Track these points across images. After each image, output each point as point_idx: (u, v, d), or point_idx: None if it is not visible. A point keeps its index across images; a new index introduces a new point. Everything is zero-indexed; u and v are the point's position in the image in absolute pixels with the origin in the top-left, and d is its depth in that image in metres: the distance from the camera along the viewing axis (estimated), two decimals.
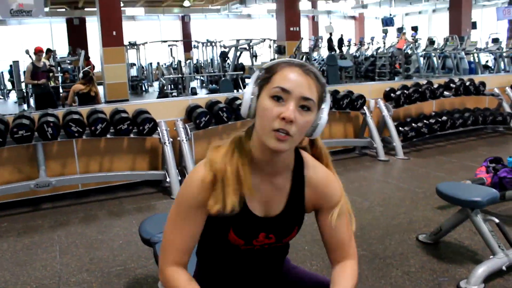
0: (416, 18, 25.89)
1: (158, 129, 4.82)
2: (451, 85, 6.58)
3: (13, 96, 14.64)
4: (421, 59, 15.21)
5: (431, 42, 15.03)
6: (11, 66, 13.94)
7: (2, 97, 15.63)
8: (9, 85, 15.53)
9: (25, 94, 10.53)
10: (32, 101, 11.63)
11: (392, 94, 6.14)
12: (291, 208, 1.38)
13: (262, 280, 1.51)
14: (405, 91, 6.15)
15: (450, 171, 5.09)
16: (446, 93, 6.51)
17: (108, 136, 4.59)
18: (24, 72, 10.26)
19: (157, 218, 2.55)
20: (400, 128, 6.12)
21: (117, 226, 3.91)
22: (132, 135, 4.69)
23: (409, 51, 15.00)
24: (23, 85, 12.14)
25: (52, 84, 10.90)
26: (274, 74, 1.23)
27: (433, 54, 14.70)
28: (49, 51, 12.03)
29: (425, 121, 6.31)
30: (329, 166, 1.47)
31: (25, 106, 11.60)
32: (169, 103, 5.47)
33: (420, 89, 6.22)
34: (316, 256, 3.13)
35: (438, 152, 6.02)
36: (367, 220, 3.75)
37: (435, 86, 6.43)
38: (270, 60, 7.94)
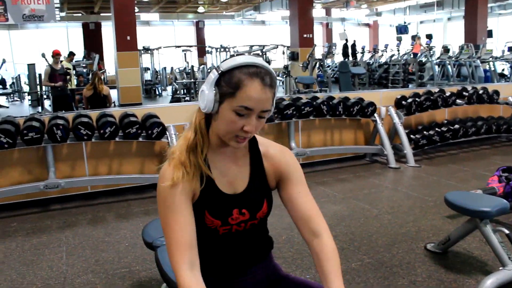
0: (431, 26, 25.73)
1: (167, 133, 4.83)
2: (464, 93, 6.50)
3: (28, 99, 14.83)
4: (436, 67, 15.08)
5: (445, 50, 14.90)
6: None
7: (18, 99, 15.85)
8: (26, 88, 15.75)
9: (39, 96, 10.63)
10: (46, 103, 11.78)
11: (403, 102, 6.09)
12: (255, 182, 1.49)
13: (249, 268, 1.54)
14: (417, 98, 6.09)
15: (461, 180, 5.02)
16: (458, 101, 6.44)
17: (117, 139, 4.61)
18: (40, 75, 10.43)
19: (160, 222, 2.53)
20: (412, 136, 6.07)
21: (124, 229, 3.92)
22: (140, 139, 4.71)
23: (424, 59, 14.88)
24: (38, 87, 12.29)
25: (73, 86, 11.04)
26: (237, 91, 1.31)
27: (448, 62, 14.56)
28: (71, 54, 12.20)
29: (437, 129, 6.24)
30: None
31: (39, 109, 11.73)
32: (179, 107, 5.50)
33: (432, 97, 6.16)
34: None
35: (450, 161, 5.95)
36: (374, 228, 3.71)
37: (448, 94, 6.36)
38: (283, 67, 7.98)
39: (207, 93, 1.34)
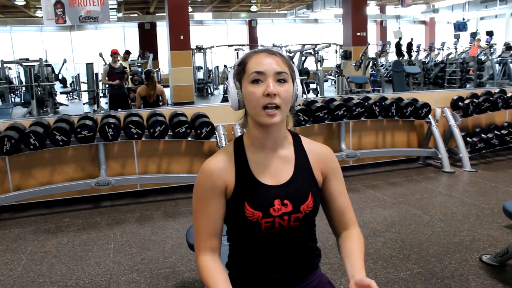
0: (492, 23, 24.56)
1: (216, 133, 4.85)
2: None
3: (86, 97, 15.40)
4: (496, 65, 14.36)
5: (507, 47, 14.17)
6: None
7: (77, 98, 16.50)
8: (84, 87, 16.38)
9: (95, 95, 11.02)
10: (102, 102, 12.19)
11: (460, 103, 5.82)
12: (300, 173, 1.49)
13: (291, 269, 1.50)
14: (475, 99, 5.80)
15: None
16: None
17: (167, 138, 4.66)
18: (97, 74, 10.79)
19: None
20: (468, 139, 5.79)
21: (171, 228, 3.96)
22: (189, 138, 4.75)
23: (483, 57, 14.21)
24: (95, 86, 12.72)
25: (131, 84, 11.34)
26: (246, 65, 1.41)
27: (510, 60, 13.84)
28: (127, 53, 12.53)
29: (496, 132, 5.92)
30: None
31: (95, 107, 12.14)
32: (228, 107, 5.45)
33: (491, 98, 5.85)
34: (369, 270, 2.99)
35: (510, 166, 5.63)
36: (426, 236, 3.55)
37: (509, 94, 6.02)
38: (336, 66, 7.99)
39: (231, 89, 1.44)
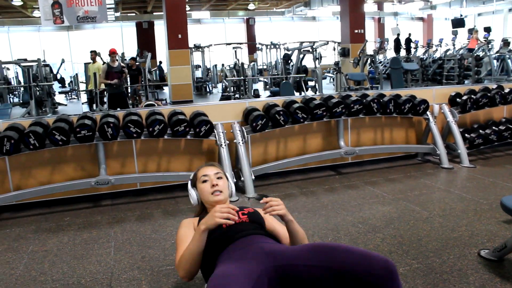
0: (489, 19, 24.59)
1: (215, 131, 4.86)
2: None
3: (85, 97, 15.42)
4: (494, 61, 14.39)
5: (505, 43, 14.20)
6: None
7: (76, 97, 16.51)
8: (82, 86, 16.39)
9: (93, 94, 11.05)
10: (99, 101, 12.19)
11: (458, 99, 5.84)
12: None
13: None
14: (473, 96, 5.82)
15: None
16: None
17: (166, 137, 4.68)
18: (95, 73, 10.79)
19: None
20: (466, 135, 5.82)
21: (171, 226, 3.98)
22: (188, 137, 4.76)
23: (481, 53, 14.24)
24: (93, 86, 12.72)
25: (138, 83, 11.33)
26: (197, 175, 2.47)
27: (508, 56, 13.87)
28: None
29: (494, 127, 5.95)
30: None
31: (94, 107, 12.15)
32: (227, 105, 5.51)
33: (489, 94, 5.87)
34: None
35: (508, 161, 5.65)
36: (424, 231, 3.57)
37: (507, 90, 6.04)
38: (334, 63, 8.15)
39: (191, 192, 2.47)
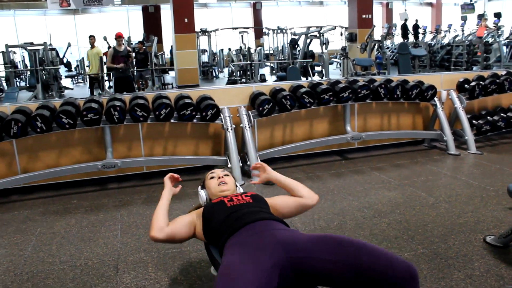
0: (500, 4, 24.23)
1: (221, 115, 4.86)
2: None
3: None
4: (504, 47, 14.21)
5: None
6: None
7: (82, 81, 16.52)
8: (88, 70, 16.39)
9: (100, 78, 11.05)
10: (106, 85, 12.20)
11: (466, 85, 5.79)
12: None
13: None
14: (481, 82, 5.77)
15: None
16: None
17: (172, 121, 4.68)
18: (101, 57, 10.78)
19: None
20: (474, 121, 5.78)
21: (177, 209, 3.99)
22: (195, 121, 4.76)
23: (490, 39, 14.06)
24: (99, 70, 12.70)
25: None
26: (206, 176, 2.57)
27: None
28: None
29: (502, 114, 5.90)
30: None
31: (99, 90, 12.15)
32: (233, 90, 5.49)
33: (498, 80, 5.81)
34: None
35: None
36: (430, 217, 3.57)
37: None
38: (341, 48, 8.15)
39: (200, 195, 2.51)
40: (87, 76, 12.36)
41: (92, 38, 11.07)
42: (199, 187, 2.56)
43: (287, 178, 2.54)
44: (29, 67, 14.14)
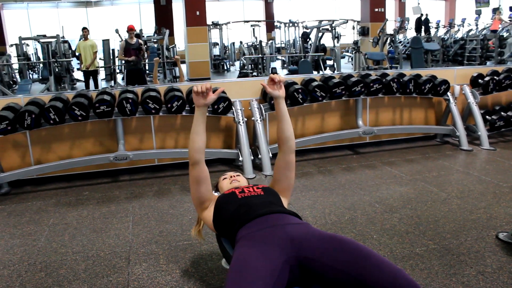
0: None
1: (233, 108, 4.86)
2: None
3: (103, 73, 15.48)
4: None
5: None
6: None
7: None
8: (101, 63, 16.43)
9: (112, 71, 11.07)
10: (119, 77, 12.23)
11: (479, 80, 5.73)
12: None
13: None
14: (495, 77, 5.70)
15: None
16: None
17: (184, 113, 4.69)
18: (113, 50, 10.81)
19: None
20: (487, 117, 5.72)
21: (188, 202, 4.01)
22: (207, 114, 4.75)
23: (505, 34, 13.88)
24: (111, 62, 12.76)
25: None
26: (218, 181, 2.66)
27: None
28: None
29: None
30: None
31: (112, 83, 12.21)
32: (245, 83, 5.48)
33: None
34: (385, 246, 3.01)
35: None
36: (442, 213, 3.55)
37: None
38: (353, 42, 8.10)
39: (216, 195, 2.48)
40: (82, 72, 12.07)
41: (85, 31, 10.99)
42: (213, 191, 2.52)
43: (287, 111, 2.41)
44: (42, 60, 14.23)
